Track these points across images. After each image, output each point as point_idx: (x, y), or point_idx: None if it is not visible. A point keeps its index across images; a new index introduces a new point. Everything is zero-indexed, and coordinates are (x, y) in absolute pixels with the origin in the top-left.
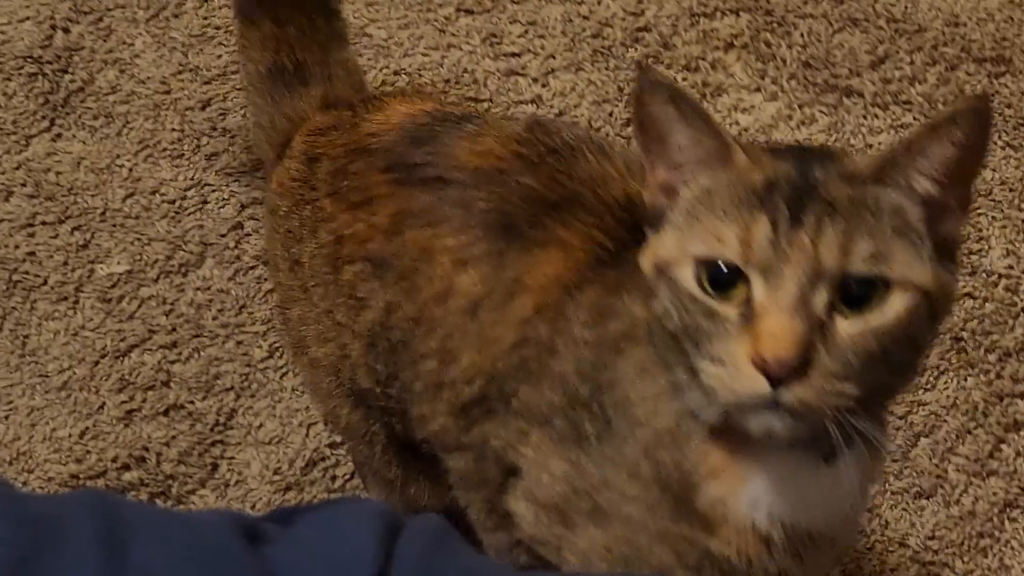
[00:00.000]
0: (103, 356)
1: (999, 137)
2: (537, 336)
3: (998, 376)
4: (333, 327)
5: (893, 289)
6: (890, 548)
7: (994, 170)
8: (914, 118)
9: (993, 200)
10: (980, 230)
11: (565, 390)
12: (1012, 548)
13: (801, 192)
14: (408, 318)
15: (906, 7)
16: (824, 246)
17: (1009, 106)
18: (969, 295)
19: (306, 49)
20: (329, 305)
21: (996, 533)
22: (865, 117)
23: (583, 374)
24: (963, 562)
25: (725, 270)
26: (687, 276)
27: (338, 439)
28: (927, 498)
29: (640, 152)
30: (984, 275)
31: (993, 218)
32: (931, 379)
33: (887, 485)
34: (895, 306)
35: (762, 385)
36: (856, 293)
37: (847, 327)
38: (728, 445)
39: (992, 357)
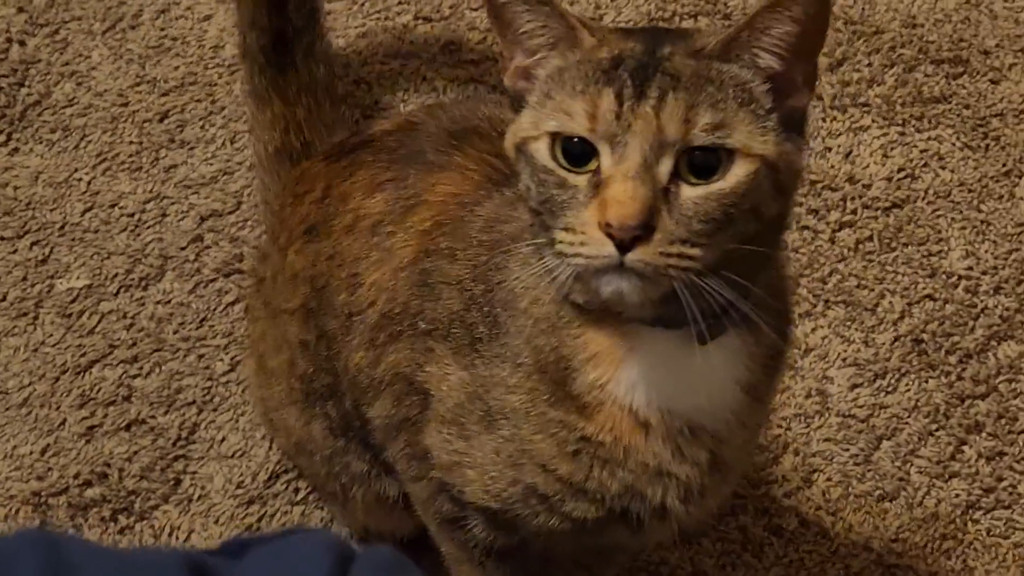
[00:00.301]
0: (63, 372)
1: (957, 138)
2: (437, 248)
3: (959, 378)
4: (282, 325)
5: (736, 158)
6: (854, 552)
7: (952, 171)
8: (872, 120)
9: (952, 201)
10: (939, 231)
11: (462, 294)
12: (975, 550)
13: (646, 67)
14: (327, 257)
15: (863, 9)
16: (667, 117)
17: (967, 107)
18: (929, 297)
19: (313, 129)
20: (280, 302)
21: (959, 535)
22: (824, 120)
23: (478, 275)
24: (927, 564)
25: (576, 143)
26: (542, 151)
27: None
28: (890, 501)
29: (497, 39)
30: (944, 277)
31: (952, 219)
32: (892, 382)
33: (849, 488)
34: (737, 173)
35: (609, 248)
36: (701, 162)
37: (689, 192)
38: (606, 330)
39: (953, 359)
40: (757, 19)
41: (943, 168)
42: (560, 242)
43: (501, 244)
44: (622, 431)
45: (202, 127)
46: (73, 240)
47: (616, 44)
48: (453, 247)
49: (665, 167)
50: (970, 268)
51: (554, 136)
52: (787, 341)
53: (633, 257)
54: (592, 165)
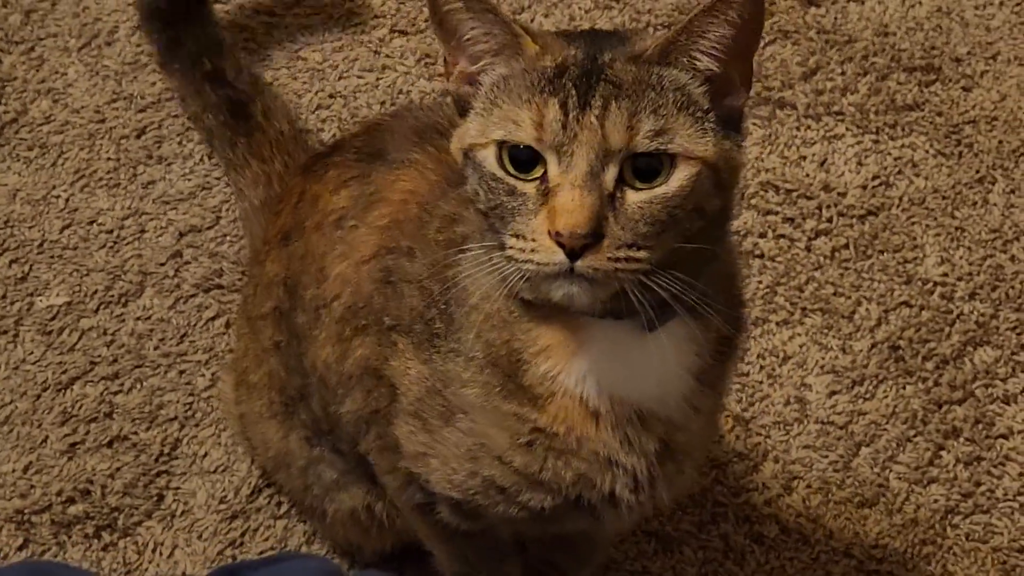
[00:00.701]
0: (45, 389)
1: (931, 146)
2: (398, 246)
3: (936, 384)
4: (259, 333)
5: (678, 162)
6: (835, 559)
7: (926, 178)
8: (846, 128)
9: (926, 208)
10: (914, 238)
11: (422, 292)
12: (955, 554)
13: (589, 75)
14: (299, 257)
15: (836, 18)
16: (611, 126)
17: (940, 114)
18: (905, 303)
19: (293, 177)
20: (257, 309)
21: (939, 540)
22: (798, 128)
23: (434, 273)
24: (907, 570)
25: (523, 151)
26: (490, 158)
27: None
28: (870, 507)
29: (440, 45)
30: (920, 283)
31: (927, 226)
32: (870, 388)
33: (829, 495)
34: (679, 177)
35: (559, 256)
36: (645, 167)
37: (635, 198)
38: (556, 324)
39: (930, 365)
40: (694, 22)
41: (917, 175)
42: (511, 248)
43: (454, 243)
44: (574, 421)
45: (180, 143)
46: (52, 257)
47: (559, 51)
48: (412, 246)
49: (611, 174)
50: (945, 274)
51: (501, 144)
52: (740, 325)
53: (583, 264)
54: (539, 171)
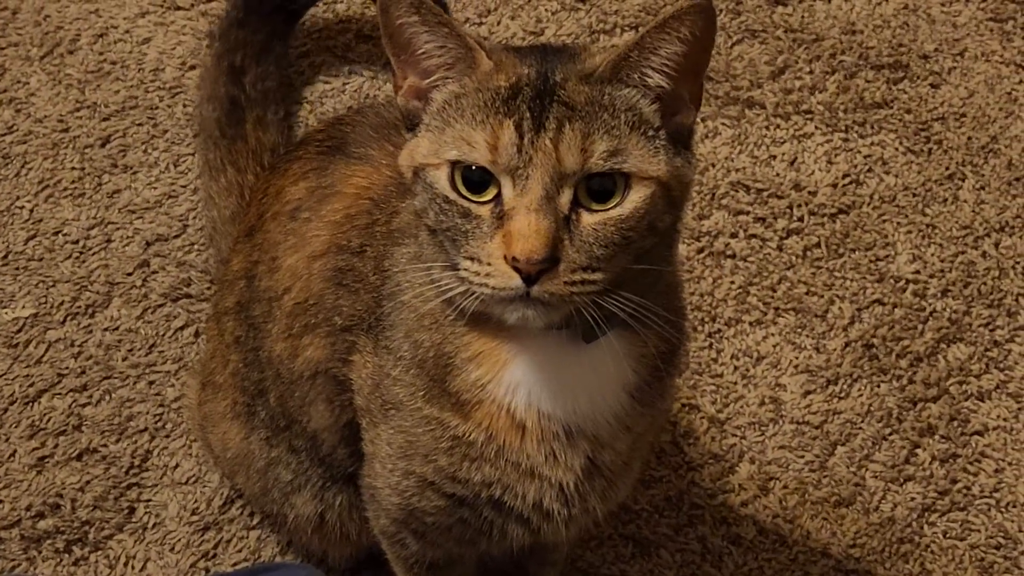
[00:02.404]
0: (11, 403)
1: (900, 143)
2: (348, 243)
3: (910, 381)
4: (224, 331)
5: (632, 182)
6: (813, 559)
7: (896, 176)
8: (816, 127)
9: (897, 206)
10: (886, 236)
11: (373, 289)
12: (932, 552)
13: (543, 95)
14: (258, 247)
15: (803, 17)
16: (565, 148)
17: (909, 111)
18: (878, 301)
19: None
20: (221, 304)
21: (916, 538)
22: (768, 128)
23: (378, 267)
24: (885, 569)
25: (476, 172)
26: (442, 180)
27: None
28: (847, 506)
29: (390, 59)
30: (892, 281)
31: (898, 224)
32: (844, 387)
33: (806, 495)
34: (633, 199)
35: (516, 281)
36: (599, 187)
37: (590, 220)
38: (491, 331)
39: (903, 362)
40: (645, 39)
41: (887, 173)
42: (465, 270)
43: (392, 236)
44: (498, 430)
45: (145, 151)
46: (17, 269)
47: (513, 70)
48: (364, 243)
49: (566, 197)
50: (917, 272)
51: (454, 165)
52: (682, 338)
53: (539, 289)
54: (492, 192)
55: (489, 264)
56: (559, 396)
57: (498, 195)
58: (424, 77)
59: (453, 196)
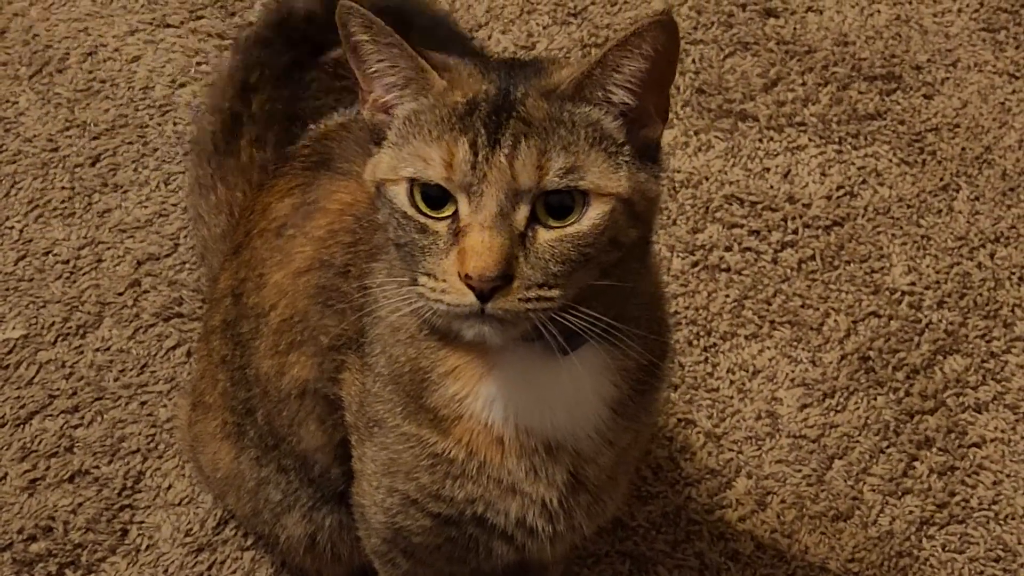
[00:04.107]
0: (2, 425)
1: (894, 154)
2: (332, 261)
3: (907, 394)
4: (212, 351)
5: (590, 199)
6: (811, 573)
7: (891, 187)
8: (809, 139)
9: (892, 218)
10: (880, 248)
11: (357, 307)
12: (932, 566)
13: (500, 111)
14: (245, 265)
15: (795, 28)
16: (520, 165)
17: (902, 123)
18: (874, 314)
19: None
20: (209, 322)
21: (915, 552)
22: (761, 140)
23: (361, 286)
24: None
25: (434, 188)
26: (401, 196)
27: None
28: (845, 520)
29: (356, 73)
30: (887, 293)
31: (893, 236)
32: (841, 400)
33: (803, 510)
34: (591, 216)
35: (470, 298)
36: (557, 203)
37: (546, 236)
38: (466, 346)
39: (900, 375)
40: (608, 57)
41: (881, 184)
42: (422, 286)
43: (370, 251)
44: (478, 446)
45: (135, 170)
46: (7, 290)
47: (470, 86)
48: (348, 263)
49: (522, 214)
50: (913, 283)
51: (412, 181)
52: (666, 351)
53: (493, 306)
54: (450, 209)
55: (444, 280)
56: (537, 410)
57: (455, 212)
58: (386, 92)
59: (411, 212)
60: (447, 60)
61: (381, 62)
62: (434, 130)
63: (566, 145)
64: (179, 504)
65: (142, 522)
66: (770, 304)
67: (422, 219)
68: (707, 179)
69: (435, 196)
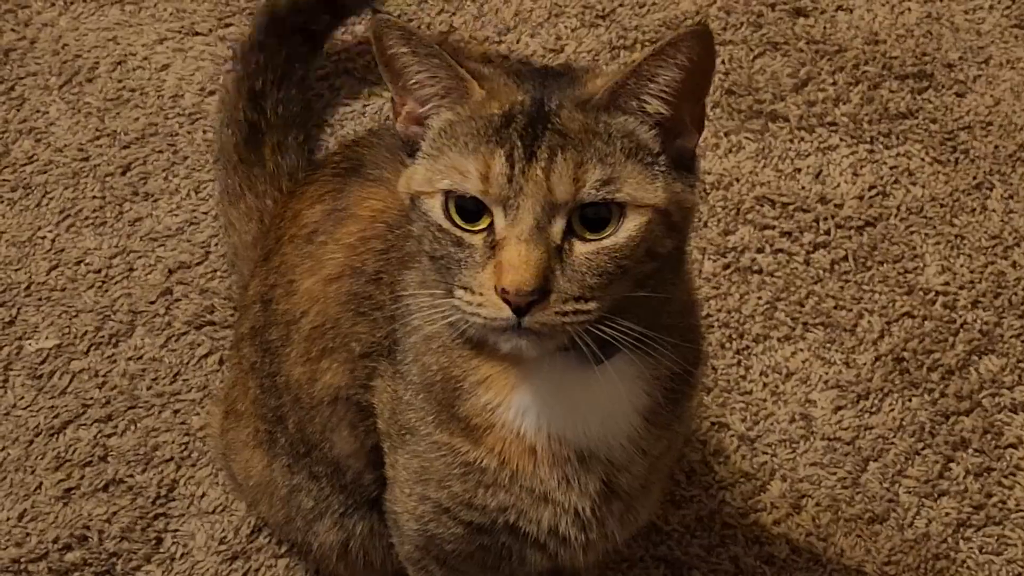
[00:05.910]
0: (37, 434)
1: (926, 153)
2: (363, 267)
3: (942, 395)
4: (243, 358)
5: (626, 211)
6: None
7: (923, 187)
8: (840, 139)
9: (925, 217)
10: (914, 248)
11: (389, 314)
12: (968, 568)
13: (536, 123)
14: (275, 271)
15: (825, 28)
16: (556, 178)
17: (934, 121)
18: (908, 314)
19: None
20: (240, 329)
21: (952, 554)
22: (792, 141)
23: (393, 294)
24: None
25: (470, 200)
26: (436, 209)
27: None
28: (881, 523)
29: (389, 86)
30: (921, 293)
31: (926, 235)
32: (876, 402)
33: (839, 512)
34: (628, 228)
35: (507, 313)
36: (593, 215)
37: (582, 249)
38: (499, 354)
39: (935, 376)
40: (643, 67)
41: (914, 184)
42: (459, 299)
43: (403, 259)
44: (510, 455)
45: (165, 178)
46: (40, 300)
47: (506, 97)
48: (379, 270)
49: (558, 227)
50: (947, 283)
51: (448, 194)
52: (699, 358)
53: (530, 320)
54: (486, 221)
55: (481, 294)
56: (570, 419)
57: (491, 224)
58: (421, 104)
59: (447, 225)
60: (482, 69)
61: (420, 73)
62: (470, 142)
63: (602, 157)
64: (213, 512)
65: (176, 530)
66: (803, 306)
67: (458, 232)
68: (738, 180)
69: (470, 209)
